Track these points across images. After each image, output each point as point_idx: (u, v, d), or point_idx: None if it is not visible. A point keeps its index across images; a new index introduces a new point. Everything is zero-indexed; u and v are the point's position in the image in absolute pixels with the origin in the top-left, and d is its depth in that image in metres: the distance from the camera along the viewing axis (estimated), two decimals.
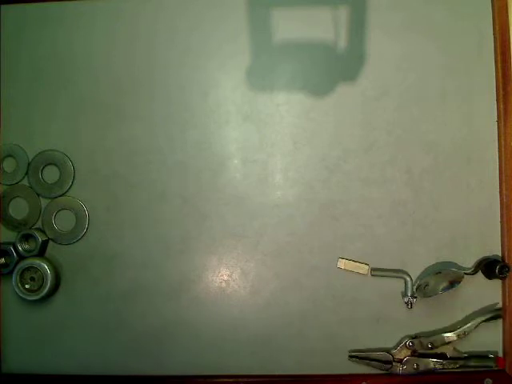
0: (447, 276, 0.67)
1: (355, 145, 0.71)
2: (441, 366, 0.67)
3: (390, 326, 0.69)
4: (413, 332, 0.69)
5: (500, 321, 0.68)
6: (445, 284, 0.67)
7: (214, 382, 0.70)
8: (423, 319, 0.69)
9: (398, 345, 0.68)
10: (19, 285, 0.70)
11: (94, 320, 0.72)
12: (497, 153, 0.70)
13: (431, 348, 0.67)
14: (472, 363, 0.67)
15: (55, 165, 0.73)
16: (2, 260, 0.71)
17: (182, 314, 0.71)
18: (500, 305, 0.68)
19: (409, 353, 0.68)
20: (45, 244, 0.72)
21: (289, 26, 0.72)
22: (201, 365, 0.71)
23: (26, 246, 0.72)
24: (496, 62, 0.70)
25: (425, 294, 0.68)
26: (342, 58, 0.72)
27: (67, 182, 0.73)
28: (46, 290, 0.70)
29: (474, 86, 0.70)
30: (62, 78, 0.73)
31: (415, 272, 0.69)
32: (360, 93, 0.71)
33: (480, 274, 0.69)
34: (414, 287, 0.68)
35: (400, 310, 0.69)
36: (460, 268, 0.69)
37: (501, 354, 0.68)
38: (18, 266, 0.70)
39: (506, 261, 0.68)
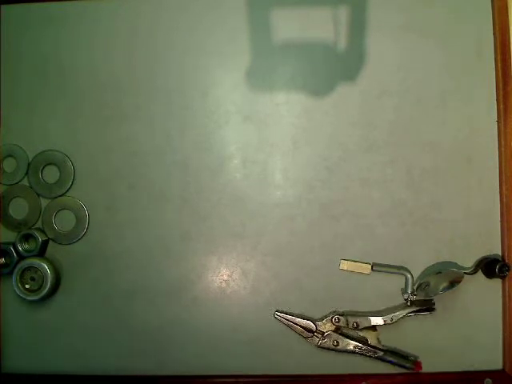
0: (447, 276, 0.67)
1: (355, 145, 0.71)
2: (360, 351, 0.67)
3: (390, 325, 0.69)
4: (413, 332, 0.69)
5: (428, 315, 0.68)
6: (445, 284, 0.67)
7: (214, 381, 0.70)
8: (423, 319, 0.69)
9: (324, 317, 0.69)
10: (19, 285, 0.70)
11: (93, 320, 0.72)
12: (497, 153, 0.70)
13: (356, 327, 0.67)
14: (389, 357, 0.67)
15: (55, 165, 0.73)
16: (2, 260, 0.71)
17: (182, 313, 0.71)
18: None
19: (332, 328, 0.68)
20: (45, 244, 0.72)
21: (289, 26, 0.72)
22: (201, 365, 0.71)
23: (26, 246, 0.72)
24: (496, 61, 0.70)
25: (426, 293, 0.67)
26: (342, 58, 0.72)
27: (67, 182, 0.73)
28: (45, 290, 0.70)
29: (474, 86, 0.70)
30: (63, 78, 0.73)
31: (415, 272, 0.69)
32: (360, 93, 0.71)
33: (480, 274, 0.69)
34: (415, 286, 0.68)
35: None
36: (460, 268, 0.69)
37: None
38: (18, 266, 0.70)
39: (506, 260, 0.68)
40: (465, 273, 0.68)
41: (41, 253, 0.72)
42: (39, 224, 0.73)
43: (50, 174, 0.73)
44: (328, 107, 0.71)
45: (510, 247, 0.68)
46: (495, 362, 0.69)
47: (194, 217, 0.72)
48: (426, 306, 0.67)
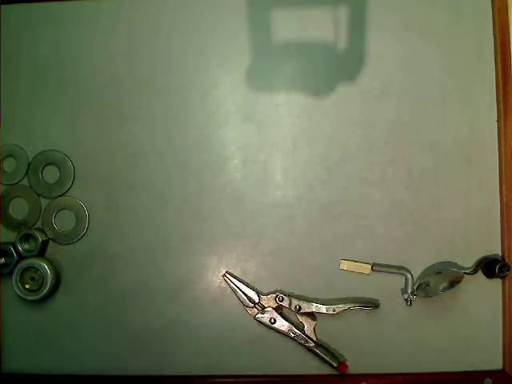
0: (447, 276, 0.67)
1: (355, 145, 0.71)
2: (293, 335, 0.68)
3: (390, 325, 0.69)
4: (413, 333, 0.69)
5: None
6: (445, 284, 0.67)
7: (214, 381, 0.70)
8: (423, 319, 0.69)
9: (269, 293, 0.69)
10: (19, 285, 0.70)
11: (93, 320, 0.72)
12: (497, 153, 0.70)
13: (297, 310, 0.68)
14: (318, 351, 0.68)
15: (55, 165, 0.73)
16: (2, 260, 0.71)
17: (182, 313, 0.71)
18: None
19: (274, 306, 0.69)
20: (45, 244, 0.72)
21: (288, 26, 0.72)
22: (201, 365, 0.71)
23: (26, 246, 0.72)
24: (496, 61, 0.70)
25: (426, 294, 0.67)
26: (342, 58, 0.72)
27: (67, 182, 0.73)
28: (45, 290, 0.70)
29: (474, 86, 0.70)
30: (63, 78, 0.73)
31: (415, 272, 0.69)
32: (360, 93, 0.71)
33: (480, 274, 0.69)
34: (415, 286, 0.68)
35: (400, 309, 0.69)
36: (460, 268, 0.69)
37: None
38: (18, 266, 0.70)
39: (506, 260, 0.68)
40: (465, 273, 0.68)
41: (41, 253, 0.72)
42: (39, 224, 0.73)
43: (50, 174, 0.73)
44: (328, 107, 0.71)
45: (510, 247, 0.68)
46: (495, 362, 0.69)
47: (194, 217, 0.72)
48: (366, 303, 0.68)
